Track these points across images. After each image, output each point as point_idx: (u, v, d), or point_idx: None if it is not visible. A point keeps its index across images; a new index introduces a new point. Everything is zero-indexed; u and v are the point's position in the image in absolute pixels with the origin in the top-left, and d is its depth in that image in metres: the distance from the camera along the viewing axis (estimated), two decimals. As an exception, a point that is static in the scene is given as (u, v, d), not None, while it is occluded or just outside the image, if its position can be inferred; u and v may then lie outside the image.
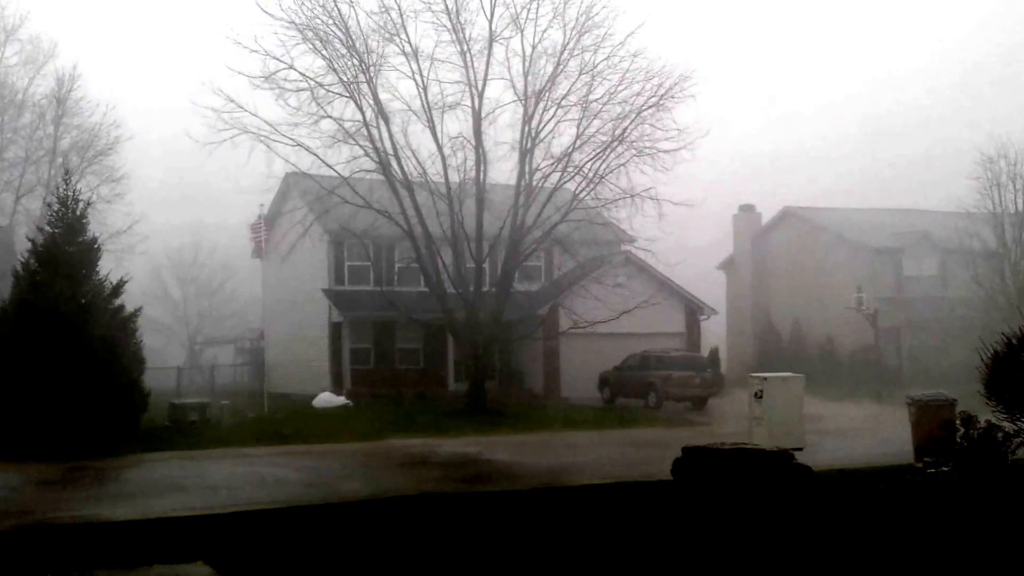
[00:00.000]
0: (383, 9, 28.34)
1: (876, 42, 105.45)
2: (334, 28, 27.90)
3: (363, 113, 28.51)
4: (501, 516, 12.72)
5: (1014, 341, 15.92)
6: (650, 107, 28.91)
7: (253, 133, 27.29)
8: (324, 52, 27.87)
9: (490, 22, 28.81)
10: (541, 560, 10.10)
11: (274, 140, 27.67)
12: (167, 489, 15.59)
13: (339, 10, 27.87)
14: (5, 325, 21.18)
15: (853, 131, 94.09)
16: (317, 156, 28.30)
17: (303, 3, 27.48)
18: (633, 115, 29.10)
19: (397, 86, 29.70)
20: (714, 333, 43.01)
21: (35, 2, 63.02)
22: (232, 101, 26.94)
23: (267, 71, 27.29)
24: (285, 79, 27.54)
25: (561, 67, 29.14)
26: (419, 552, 10.59)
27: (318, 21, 27.75)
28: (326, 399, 31.25)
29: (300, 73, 27.66)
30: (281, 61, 27.41)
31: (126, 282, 23.02)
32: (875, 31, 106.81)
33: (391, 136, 28.95)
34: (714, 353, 38.71)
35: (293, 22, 27.45)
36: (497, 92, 31.08)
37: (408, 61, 28.79)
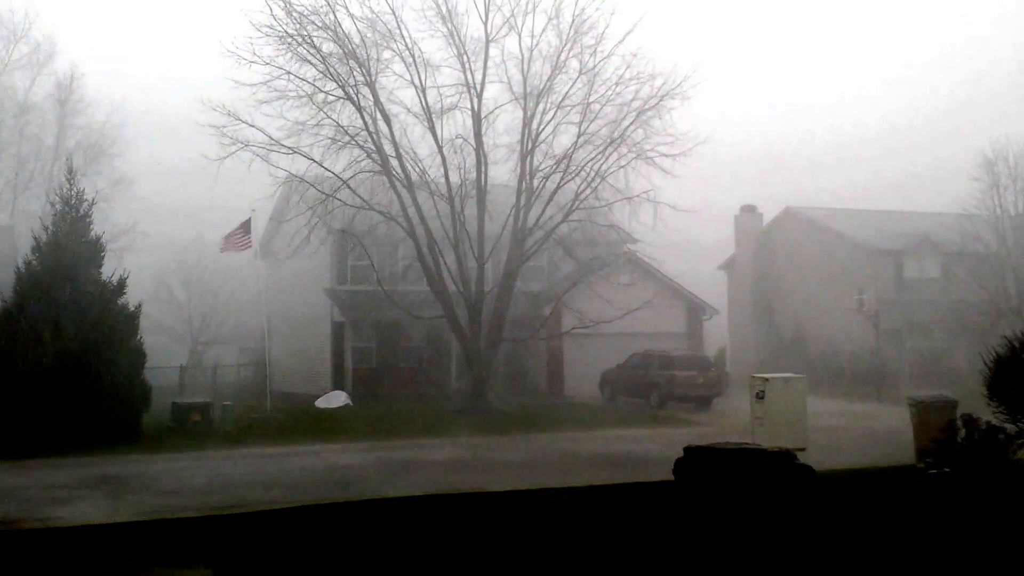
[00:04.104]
0: (376, 14, 28.45)
1: (880, 44, 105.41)
2: (328, 34, 27.96)
3: (363, 116, 28.57)
4: (503, 516, 12.76)
5: (1015, 343, 15.98)
6: (651, 108, 29.00)
7: (255, 147, 27.40)
8: (319, 60, 27.91)
9: (484, 23, 28.93)
10: (544, 561, 10.13)
11: (274, 150, 27.79)
12: (167, 490, 15.62)
13: (334, 15, 27.94)
14: (8, 323, 21.24)
15: (855, 132, 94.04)
16: (316, 162, 28.40)
17: (293, 14, 27.52)
18: (633, 115, 29.22)
19: (396, 89, 29.88)
20: (716, 333, 43.05)
21: (38, 5, 63.02)
22: (231, 115, 27.00)
23: (265, 80, 27.39)
24: (285, 87, 27.65)
25: (558, 69, 29.26)
26: (424, 553, 10.63)
27: (312, 29, 27.80)
28: (329, 399, 31.31)
29: (299, 78, 27.76)
30: (281, 69, 27.49)
31: (126, 278, 23.02)
32: (879, 33, 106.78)
33: (392, 137, 29.05)
34: (721, 353, 38.68)
35: (286, 32, 27.51)
36: (497, 93, 31.14)
37: (406, 65, 28.92)
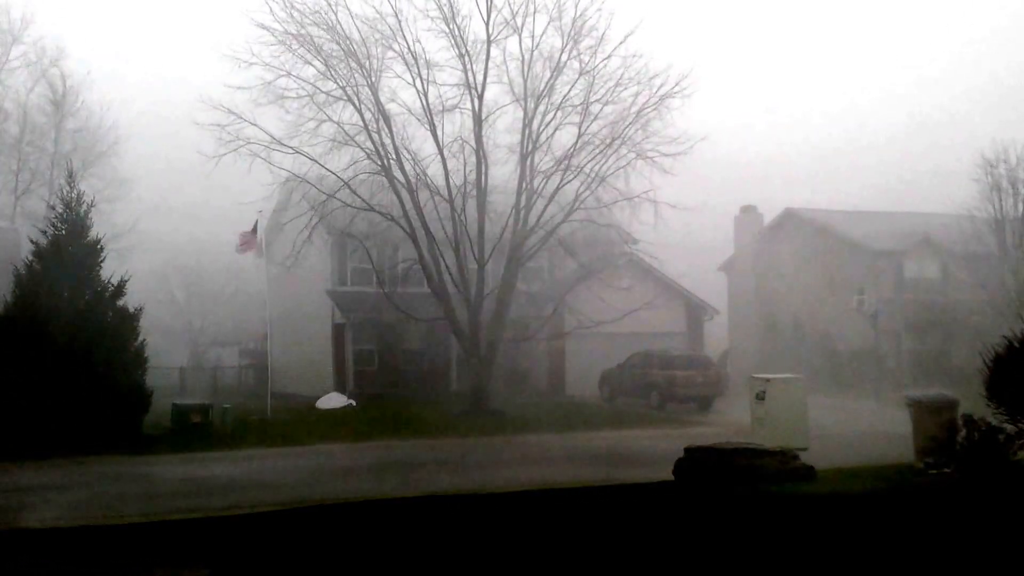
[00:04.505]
0: (380, 15, 28.48)
1: (882, 47, 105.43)
2: (329, 34, 28.00)
3: (363, 116, 28.61)
4: (502, 517, 12.77)
5: (1015, 344, 15.99)
6: (651, 108, 29.04)
7: (255, 144, 27.44)
8: (319, 60, 27.94)
9: (487, 24, 28.98)
10: (544, 561, 10.14)
11: (274, 150, 27.84)
12: (166, 492, 15.64)
13: (336, 15, 27.95)
14: (8, 325, 21.25)
15: (856, 134, 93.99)
16: (317, 162, 28.43)
17: (294, 13, 27.60)
18: (633, 116, 29.25)
19: (397, 90, 29.84)
20: (716, 334, 43.05)
21: (34, 7, 62.94)
22: (233, 113, 27.02)
23: (265, 80, 27.41)
24: (285, 88, 27.69)
25: (559, 70, 29.29)
26: (424, 554, 10.64)
27: (313, 29, 27.85)
28: (329, 400, 31.31)
29: (299, 79, 27.79)
30: (281, 70, 27.53)
31: (127, 281, 22.99)
32: (881, 36, 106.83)
33: (392, 138, 29.08)
34: (724, 356, 38.64)
35: (288, 32, 27.54)
36: (497, 94, 31.18)
37: (407, 65, 28.94)
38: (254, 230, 28.49)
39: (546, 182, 30.10)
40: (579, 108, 29.63)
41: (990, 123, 65.91)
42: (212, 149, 27.04)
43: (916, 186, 57.55)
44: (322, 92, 28.09)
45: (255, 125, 27.44)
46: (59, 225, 22.55)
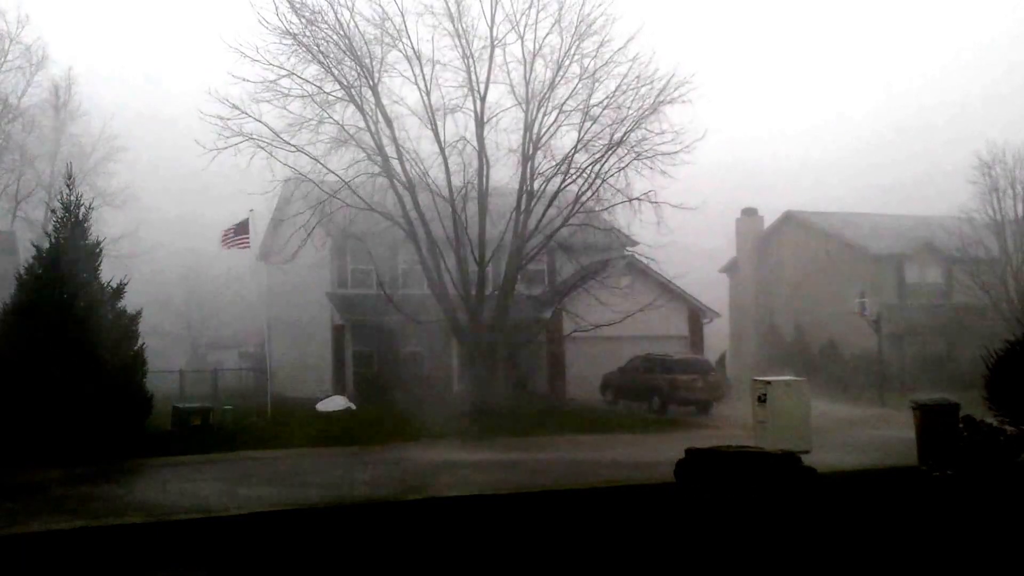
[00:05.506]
0: (385, 17, 28.48)
1: (883, 50, 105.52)
2: (332, 34, 28.04)
3: (365, 116, 28.61)
4: (504, 519, 12.73)
5: (1016, 347, 15.99)
6: (650, 112, 29.03)
7: (255, 140, 27.42)
8: (322, 59, 27.97)
9: (491, 27, 29.03)
10: (546, 562, 10.10)
11: (276, 147, 27.86)
12: (168, 493, 15.61)
13: (338, 18, 27.98)
14: (7, 328, 21.18)
15: (856, 136, 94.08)
16: (319, 161, 28.44)
17: (298, 13, 27.64)
18: (633, 119, 29.22)
19: (399, 91, 29.91)
20: (717, 337, 42.97)
21: (34, 8, 63.17)
22: (236, 108, 27.06)
23: (268, 79, 27.44)
24: (288, 88, 27.70)
25: (561, 72, 29.32)
26: (428, 554, 10.60)
27: (316, 29, 27.88)
28: (329, 403, 31.23)
29: (301, 78, 27.81)
30: (283, 68, 27.55)
31: (126, 283, 22.90)
32: (882, 40, 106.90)
33: (394, 139, 29.08)
34: (722, 359, 38.61)
35: (289, 31, 27.59)
36: (499, 96, 31.21)
37: (410, 66, 28.97)
38: (243, 228, 28.36)
39: (547, 184, 30.09)
40: (580, 110, 29.66)
41: (990, 125, 65.93)
42: (213, 144, 27.09)
43: (916, 188, 57.58)
44: (324, 92, 28.12)
45: (259, 121, 27.48)
46: (61, 228, 22.47)
